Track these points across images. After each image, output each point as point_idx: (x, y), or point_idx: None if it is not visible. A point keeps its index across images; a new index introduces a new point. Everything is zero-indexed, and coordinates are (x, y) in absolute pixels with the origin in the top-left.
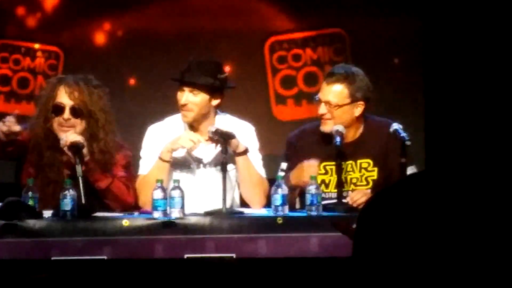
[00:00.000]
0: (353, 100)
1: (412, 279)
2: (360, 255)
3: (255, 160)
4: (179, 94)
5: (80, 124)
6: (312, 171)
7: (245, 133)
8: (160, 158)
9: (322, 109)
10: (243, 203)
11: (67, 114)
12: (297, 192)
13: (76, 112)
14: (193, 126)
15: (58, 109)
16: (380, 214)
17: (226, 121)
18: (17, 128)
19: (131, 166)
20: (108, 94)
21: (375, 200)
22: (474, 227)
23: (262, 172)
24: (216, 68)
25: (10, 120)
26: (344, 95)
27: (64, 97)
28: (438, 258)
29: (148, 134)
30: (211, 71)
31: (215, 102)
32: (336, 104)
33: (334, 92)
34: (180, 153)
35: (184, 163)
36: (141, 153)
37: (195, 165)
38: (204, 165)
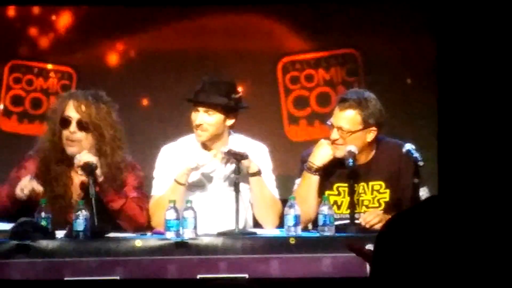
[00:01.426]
0: (366, 126)
1: None
2: (378, 276)
3: (269, 180)
4: (193, 114)
5: (86, 139)
6: (328, 148)
7: (258, 153)
8: (176, 181)
9: (335, 134)
10: (256, 224)
11: (73, 127)
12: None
13: (82, 125)
14: (207, 146)
15: (65, 122)
16: (397, 238)
17: (239, 142)
18: (39, 188)
19: (143, 187)
20: (117, 110)
21: (392, 223)
22: (491, 250)
23: (276, 192)
24: (230, 88)
25: (28, 184)
26: (357, 121)
27: (71, 111)
28: (455, 280)
29: (162, 155)
30: (225, 91)
31: (230, 122)
32: (349, 130)
33: (346, 118)
34: (194, 173)
35: (197, 183)
36: (154, 174)
37: (208, 185)
38: (218, 185)
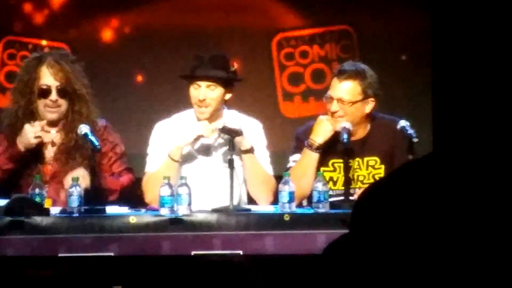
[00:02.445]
0: (365, 96)
1: (404, 267)
2: (354, 244)
3: (263, 157)
4: (193, 90)
5: (65, 103)
6: (327, 124)
7: (252, 130)
8: (170, 157)
9: (335, 106)
10: (250, 200)
11: (54, 95)
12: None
13: (62, 92)
14: (202, 122)
15: (45, 92)
16: (374, 204)
17: (233, 118)
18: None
19: (125, 157)
20: (83, 67)
21: (370, 190)
22: (469, 220)
23: (270, 169)
24: (226, 61)
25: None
26: (357, 92)
27: (49, 79)
28: (431, 248)
29: (156, 131)
30: (223, 65)
31: (228, 96)
32: (349, 101)
33: (347, 89)
34: (188, 149)
35: (191, 159)
36: (148, 150)
37: (203, 161)
38: (212, 162)
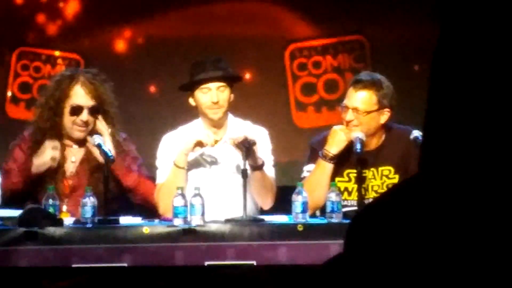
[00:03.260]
0: (380, 106)
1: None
2: (347, 265)
3: (267, 162)
4: (202, 95)
5: (93, 123)
6: (341, 134)
7: (258, 137)
8: (175, 164)
9: (350, 115)
10: (263, 210)
11: (85, 116)
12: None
13: (93, 112)
14: (216, 126)
15: (76, 111)
16: (368, 224)
17: (239, 125)
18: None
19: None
20: (112, 86)
21: (365, 210)
22: (463, 241)
23: (272, 172)
24: (226, 63)
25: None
26: (373, 102)
27: (81, 99)
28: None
29: (163, 144)
30: (223, 66)
31: (231, 98)
32: (365, 110)
33: (362, 98)
34: (193, 156)
35: (204, 169)
36: (157, 163)
37: (216, 171)
38: (225, 171)
